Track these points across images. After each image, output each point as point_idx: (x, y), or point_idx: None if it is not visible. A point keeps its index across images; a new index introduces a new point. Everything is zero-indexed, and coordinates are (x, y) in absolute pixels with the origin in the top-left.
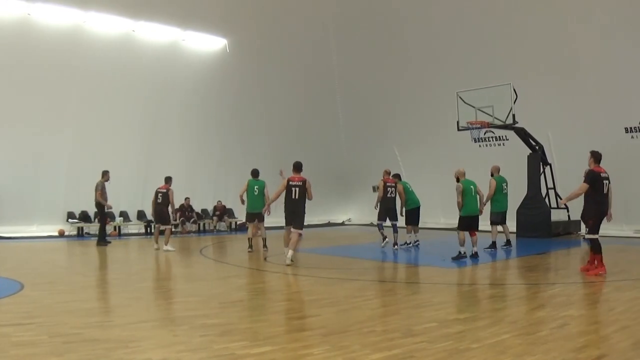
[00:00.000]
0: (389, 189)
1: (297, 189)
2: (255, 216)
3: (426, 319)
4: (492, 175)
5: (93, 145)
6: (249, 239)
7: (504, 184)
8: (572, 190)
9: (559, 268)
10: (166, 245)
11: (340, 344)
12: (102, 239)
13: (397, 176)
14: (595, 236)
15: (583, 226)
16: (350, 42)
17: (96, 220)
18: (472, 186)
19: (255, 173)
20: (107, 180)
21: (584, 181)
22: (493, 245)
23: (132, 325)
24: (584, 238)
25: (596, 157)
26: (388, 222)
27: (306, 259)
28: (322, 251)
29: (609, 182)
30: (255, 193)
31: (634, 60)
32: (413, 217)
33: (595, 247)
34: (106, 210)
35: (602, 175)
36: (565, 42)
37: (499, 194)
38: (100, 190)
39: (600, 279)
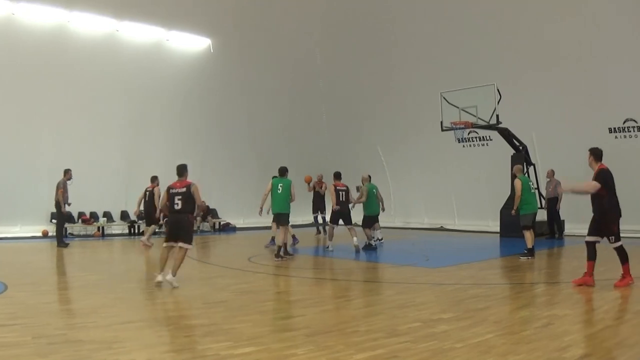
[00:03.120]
0: (340, 193)
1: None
2: (280, 217)
3: (410, 319)
4: (515, 176)
5: (76, 145)
6: (279, 246)
7: (531, 184)
8: (581, 183)
9: (542, 268)
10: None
11: (324, 344)
12: (61, 241)
13: (369, 179)
14: (620, 243)
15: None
16: (334, 42)
17: (52, 220)
18: (374, 190)
19: (282, 171)
20: (69, 179)
21: (595, 179)
22: (531, 252)
23: (116, 326)
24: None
25: (597, 154)
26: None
27: (290, 258)
28: (306, 251)
29: None
30: (279, 191)
31: (617, 61)
32: (371, 222)
33: (624, 256)
34: (64, 210)
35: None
36: (549, 43)
37: (526, 194)
38: (62, 188)
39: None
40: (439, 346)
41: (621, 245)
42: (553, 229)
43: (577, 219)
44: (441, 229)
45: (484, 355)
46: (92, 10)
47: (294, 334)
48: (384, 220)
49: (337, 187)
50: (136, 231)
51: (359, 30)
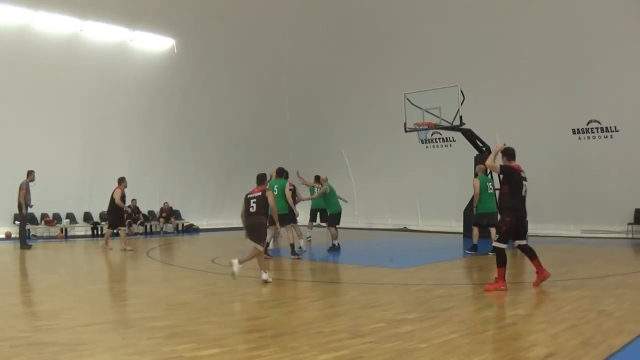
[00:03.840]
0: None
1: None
2: (280, 218)
3: (374, 319)
4: (475, 175)
5: (39, 146)
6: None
7: (490, 184)
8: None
9: (506, 267)
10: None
11: (288, 345)
12: (24, 242)
13: (317, 178)
14: (504, 246)
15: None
16: (299, 43)
17: (16, 222)
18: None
19: (279, 172)
20: (31, 180)
21: (501, 167)
22: (474, 248)
23: (80, 328)
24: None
25: (509, 153)
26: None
27: (253, 260)
28: (270, 252)
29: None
30: (275, 193)
31: (581, 62)
32: (336, 220)
33: (501, 259)
34: (26, 212)
35: (522, 174)
36: (512, 44)
37: (483, 194)
38: (24, 190)
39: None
40: (404, 346)
41: (502, 249)
42: None
43: (540, 219)
44: (405, 229)
45: (448, 355)
46: (57, 10)
47: (259, 335)
48: (348, 221)
49: (248, 196)
50: (99, 232)
51: (323, 31)
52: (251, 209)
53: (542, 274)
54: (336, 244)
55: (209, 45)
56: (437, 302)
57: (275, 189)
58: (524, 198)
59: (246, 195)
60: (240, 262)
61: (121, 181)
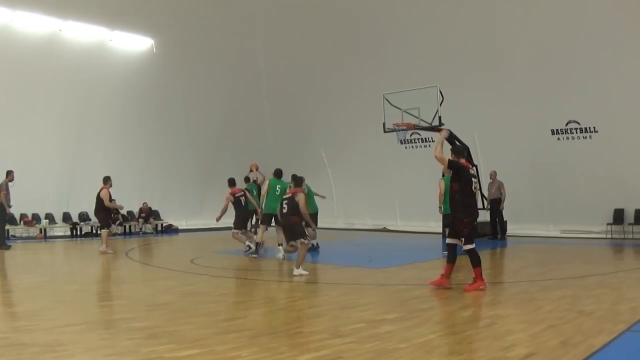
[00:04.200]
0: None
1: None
2: (272, 218)
3: (354, 319)
4: (442, 175)
5: (17, 146)
6: (257, 243)
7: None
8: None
9: (485, 268)
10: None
11: (268, 346)
12: (3, 243)
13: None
14: (472, 246)
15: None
16: (277, 42)
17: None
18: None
19: (278, 173)
20: (11, 181)
21: (449, 162)
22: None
23: (59, 329)
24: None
25: (458, 151)
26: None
27: (232, 260)
28: (249, 253)
29: (478, 183)
30: (277, 193)
31: (560, 62)
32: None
33: (475, 259)
34: (6, 212)
35: (470, 171)
36: (492, 45)
37: (447, 195)
38: (5, 190)
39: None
40: (383, 347)
41: (472, 249)
42: (496, 230)
43: (519, 219)
44: (384, 230)
45: (427, 355)
46: (36, 10)
47: (238, 336)
48: (327, 221)
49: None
50: (78, 233)
51: (302, 30)
52: (284, 209)
53: (443, 281)
54: (315, 244)
55: (188, 45)
56: (417, 302)
57: (277, 189)
58: (474, 195)
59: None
60: (298, 266)
61: (106, 180)
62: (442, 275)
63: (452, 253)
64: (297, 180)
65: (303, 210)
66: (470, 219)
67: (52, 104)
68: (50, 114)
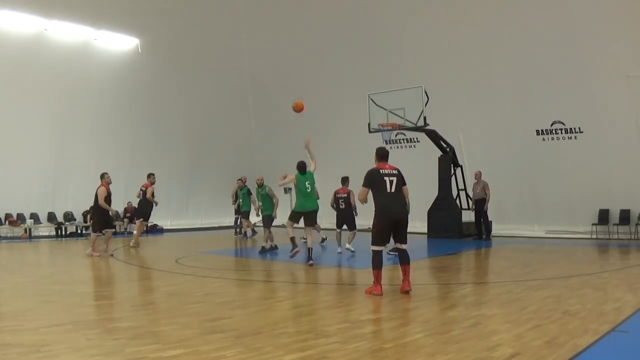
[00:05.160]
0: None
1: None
2: (304, 216)
3: (338, 319)
4: None
5: (1, 145)
6: (292, 238)
7: None
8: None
9: (470, 268)
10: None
11: (253, 346)
12: None
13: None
14: (377, 248)
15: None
16: (263, 41)
17: None
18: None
19: (303, 167)
20: None
21: (363, 184)
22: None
23: (44, 329)
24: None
25: (379, 154)
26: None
27: (217, 260)
28: (233, 253)
29: (398, 180)
30: (308, 190)
31: (545, 63)
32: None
33: (375, 261)
34: None
35: (382, 171)
36: (477, 46)
37: None
38: None
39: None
40: (368, 346)
41: (375, 251)
42: (480, 230)
43: (504, 219)
44: (369, 230)
45: (413, 355)
46: (21, 9)
47: (223, 336)
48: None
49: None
50: (63, 233)
51: (288, 29)
52: (341, 206)
53: (404, 284)
54: (268, 245)
55: (174, 44)
56: (402, 302)
57: (307, 185)
58: (392, 195)
59: (335, 194)
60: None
61: (102, 177)
62: (403, 278)
63: (403, 257)
64: (346, 180)
65: (353, 202)
66: (382, 220)
67: (37, 103)
68: (35, 113)
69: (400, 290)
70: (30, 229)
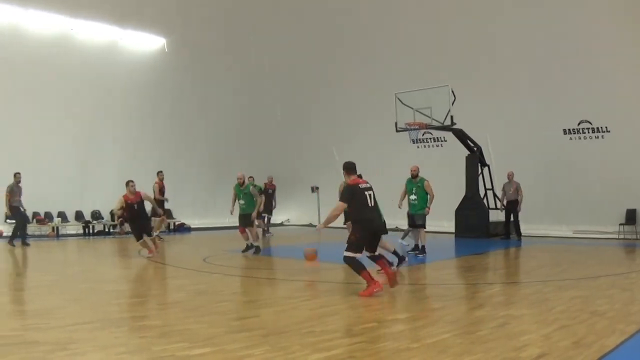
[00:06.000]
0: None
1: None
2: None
3: (365, 319)
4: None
5: (30, 145)
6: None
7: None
8: (330, 212)
9: (497, 268)
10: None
11: (279, 345)
12: (13, 240)
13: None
14: (352, 255)
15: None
16: (288, 41)
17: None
18: None
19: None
20: (18, 182)
21: (340, 199)
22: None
23: (71, 327)
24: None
25: (347, 167)
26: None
27: (244, 259)
28: (261, 252)
29: (373, 193)
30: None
31: (572, 63)
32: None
33: (355, 265)
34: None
35: (361, 186)
36: (503, 45)
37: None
38: (9, 192)
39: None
40: (395, 346)
41: (351, 257)
42: (509, 230)
43: (531, 219)
44: (396, 229)
45: (440, 355)
46: (47, 9)
47: (250, 335)
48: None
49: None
50: (91, 231)
51: (313, 29)
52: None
53: (388, 276)
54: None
55: (200, 44)
56: (429, 301)
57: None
58: (373, 208)
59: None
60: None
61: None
62: (384, 271)
63: (375, 258)
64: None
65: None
66: (366, 229)
67: (64, 102)
68: (62, 113)
69: (391, 285)
70: (57, 228)
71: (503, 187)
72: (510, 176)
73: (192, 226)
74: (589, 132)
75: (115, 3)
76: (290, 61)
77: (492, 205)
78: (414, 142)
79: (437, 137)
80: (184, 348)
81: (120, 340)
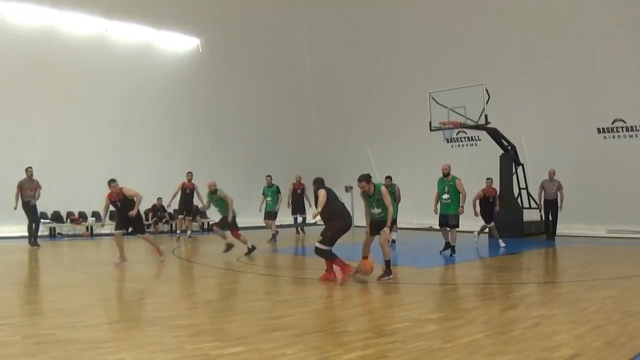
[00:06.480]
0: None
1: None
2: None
3: (398, 318)
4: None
5: (65, 145)
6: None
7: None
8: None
9: (531, 268)
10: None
11: (313, 344)
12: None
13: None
14: (326, 247)
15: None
16: (322, 42)
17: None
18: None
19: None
20: (31, 176)
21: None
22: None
23: (105, 326)
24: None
25: (318, 182)
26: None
27: (278, 258)
28: (294, 251)
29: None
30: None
31: (607, 61)
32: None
33: (326, 255)
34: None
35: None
36: (537, 44)
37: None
38: (19, 188)
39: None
40: (428, 346)
41: (323, 249)
42: (549, 230)
43: (565, 218)
44: (430, 229)
45: (473, 355)
46: (82, 10)
47: (283, 334)
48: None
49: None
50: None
51: (348, 30)
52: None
53: (334, 273)
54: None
55: (234, 44)
56: (462, 301)
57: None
58: (342, 205)
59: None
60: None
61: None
62: (333, 269)
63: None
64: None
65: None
66: (342, 224)
67: (99, 104)
68: (97, 114)
69: (322, 279)
70: (92, 227)
71: (542, 185)
72: (551, 174)
73: None
74: (623, 131)
75: (149, 4)
76: (326, 60)
77: (526, 204)
78: (448, 142)
79: (471, 137)
80: (217, 347)
81: (153, 339)
